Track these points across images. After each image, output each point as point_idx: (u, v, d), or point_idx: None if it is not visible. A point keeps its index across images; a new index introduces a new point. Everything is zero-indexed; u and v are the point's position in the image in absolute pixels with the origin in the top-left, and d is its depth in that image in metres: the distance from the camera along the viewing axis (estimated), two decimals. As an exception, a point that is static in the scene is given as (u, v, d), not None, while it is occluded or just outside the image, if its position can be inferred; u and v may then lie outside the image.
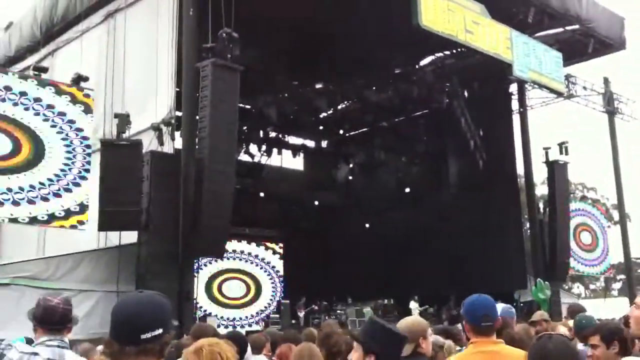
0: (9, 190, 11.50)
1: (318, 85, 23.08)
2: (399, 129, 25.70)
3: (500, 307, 4.77)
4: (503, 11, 17.85)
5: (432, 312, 20.69)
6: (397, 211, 25.93)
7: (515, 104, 23.08)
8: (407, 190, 26.04)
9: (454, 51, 21.46)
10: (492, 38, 17.32)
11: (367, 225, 25.96)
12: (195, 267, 14.70)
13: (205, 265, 21.13)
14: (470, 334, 3.44)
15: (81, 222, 12.31)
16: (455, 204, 23.37)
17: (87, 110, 12.54)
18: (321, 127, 26.76)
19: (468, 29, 16.46)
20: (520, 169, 23.10)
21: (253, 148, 24.60)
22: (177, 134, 13.97)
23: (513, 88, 23.09)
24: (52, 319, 3.36)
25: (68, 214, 12.13)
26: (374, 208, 25.54)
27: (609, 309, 18.83)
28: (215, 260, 20.85)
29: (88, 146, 12.53)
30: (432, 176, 25.50)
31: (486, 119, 23.04)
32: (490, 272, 19.85)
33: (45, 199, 11.89)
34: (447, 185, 24.88)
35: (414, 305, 20.97)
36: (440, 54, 22.65)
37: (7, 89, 11.70)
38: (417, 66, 23.21)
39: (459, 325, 7.90)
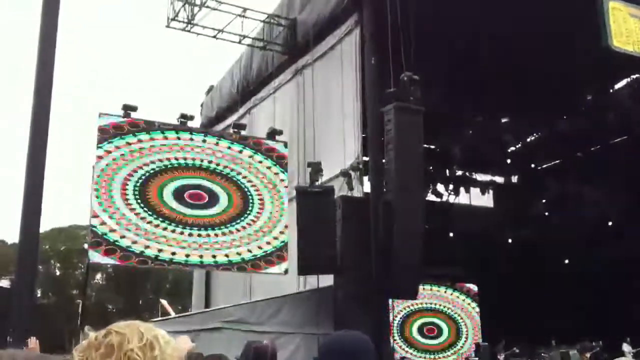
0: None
1: (504, 119, 22.56)
2: (596, 158, 24.16)
3: None
4: None
5: (648, 354, 18.87)
6: (601, 246, 24.21)
7: None
8: (610, 223, 24.24)
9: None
10: (695, 53, 15.83)
11: (567, 262, 24.50)
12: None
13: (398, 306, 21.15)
14: None
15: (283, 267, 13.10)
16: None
17: (283, 161, 13.39)
18: (510, 162, 25.96)
19: (666, 45, 15.23)
20: None
21: (440, 187, 24.48)
22: (365, 178, 14.36)
23: None
24: (264, 358, 3.65)
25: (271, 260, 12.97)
26: (574, 244, 24.06)
27: None
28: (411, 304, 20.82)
29: (285, 195, 13.34)
30: (638, 207, 23.52)
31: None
32: None
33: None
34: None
35: (626, 347, 19.28)
36: (638, 75, 21.14)
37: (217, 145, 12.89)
38: (611, 90, 21.83)
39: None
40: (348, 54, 14.53)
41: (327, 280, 13.42)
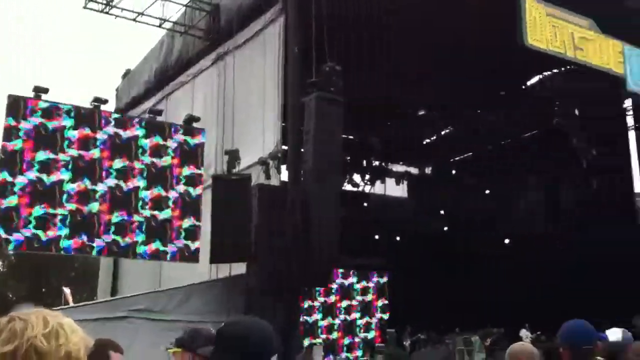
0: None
1: (421, 112, 22.92)
2: (507, 151, 25.02)
3: (619, 332, 4.70)
4: (614, 25, 17.09)
5: (544, 339, 19.76)
6: (506, 237, 25.16)
7: (630, 120, 22.05)
8: (519, 214, 25.22)
9: (563, 69, 20.76)
10: (603, 53, 16.58)
11: (475, 253, 25.24)
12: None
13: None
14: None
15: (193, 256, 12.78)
16: (567, 227, 22.43)
17: (199, 148, 13.02)
18: (425, 154, 26.46)
19: (577, 45, 15.87)
20: (637, 188, 21.97)
21: (357, 177, 24.69)
22: (283, 167, 14.23)
23: (627, 103, 22.06)
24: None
25: (181, 248, 12.62)
26: (483, 234, 24.87)
27: None
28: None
29: (198, 182, 13.00)
30: (544, 199, 24.60)
31: (600, 138, 22.05)
32: (607, 300, 18.76)
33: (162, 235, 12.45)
34: (560, 208, 23.94)
35: (524, 333, 20.18)
36: (549, 73, 21.98)
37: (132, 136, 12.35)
38: (524, 86, 22.58)
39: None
40: (271, 42, 14.27)
41: (239, 268, 13.25)
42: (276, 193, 13.59)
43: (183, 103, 16.89)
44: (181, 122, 13.23)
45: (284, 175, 14.13)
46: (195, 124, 13.15)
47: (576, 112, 22.28)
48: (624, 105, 22.13)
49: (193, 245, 12.74)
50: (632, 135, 21.74)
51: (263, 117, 14.03)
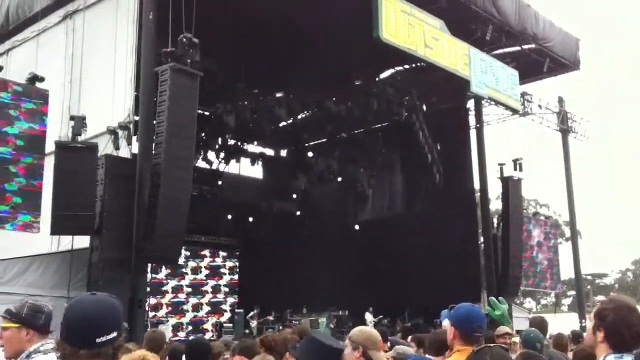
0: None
1: (278, 94, 23.06)
2: (358, 140, 25.79)
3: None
4: (462, 28, 18.15)
5: (386, 323, 20.74)
6: (355, 223, 26.02)
7: (472, 120, 23.45)
8: (365, 201, 26.13)
9: (414, 65, 21.72)
10: (451, 54, 17.56)
11: (325, 236, 25.85)
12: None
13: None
14: (458, 342, 3.45)
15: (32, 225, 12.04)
16: (412, 217, 23.53)
17: (42, 111, 12.27)
18: (280, 136, 26.66)
19: (428, 44, 16.67)
20: (476, 184, 23.35)
21: (211, 155, 24.39)
22: (134, 138, 13.78)
23: (470, 104, 23.42)
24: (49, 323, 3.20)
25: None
26: (331, 219, 25.53)
27: (558, 324, 19.16)
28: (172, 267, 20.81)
29: (42, 148, 12.28)
30: (390, 189, 25.66)
31: (444, 134, 23.34)
32: (444, 285, 19.94)
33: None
34: (405, 199, 25.07)
35: (368, 316, 21.00)
36: (400, 68, 22.88)
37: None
38: (377, 79, 23.37)
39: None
40: (125, 5, 13.70)
41: (82, 241, 12.73)
42: (125, 165, 13.21)
43: (25, 61, 15.74)
44: (23, 80, 12.39)
45: (135, 147, 13.70)
46: (38, 84, 12.37)
47: (423, 107, 23.45)
48: (467, 106, 23.51)
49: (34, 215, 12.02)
50: (472, 133, 23.10)
51: (114, 83, 13.48)
